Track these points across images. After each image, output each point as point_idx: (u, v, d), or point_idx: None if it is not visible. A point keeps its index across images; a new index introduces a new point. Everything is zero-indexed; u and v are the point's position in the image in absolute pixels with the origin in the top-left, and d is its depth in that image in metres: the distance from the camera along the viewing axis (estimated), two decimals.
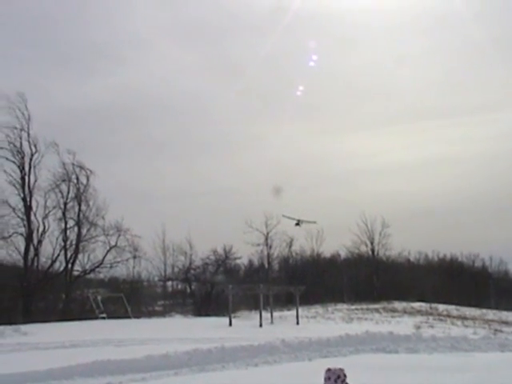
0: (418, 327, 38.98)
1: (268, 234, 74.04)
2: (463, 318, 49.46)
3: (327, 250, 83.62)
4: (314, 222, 65.08)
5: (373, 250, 79.31)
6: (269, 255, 75.65)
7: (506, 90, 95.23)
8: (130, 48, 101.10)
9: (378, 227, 78.10)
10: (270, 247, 75.28)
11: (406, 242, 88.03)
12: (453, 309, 57.54)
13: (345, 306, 61.09)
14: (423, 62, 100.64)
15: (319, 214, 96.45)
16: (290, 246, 77.72)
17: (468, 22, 79.75)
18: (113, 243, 58.73)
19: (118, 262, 60.18)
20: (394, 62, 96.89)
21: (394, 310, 55.21)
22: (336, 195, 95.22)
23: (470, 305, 61.52)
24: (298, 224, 64.16)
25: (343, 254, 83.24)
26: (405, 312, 53.64)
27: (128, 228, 59.00)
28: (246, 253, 75.69)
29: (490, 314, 55.82)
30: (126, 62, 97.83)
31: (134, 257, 62.05)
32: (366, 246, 79.45)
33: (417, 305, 60.31)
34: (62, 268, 57.24)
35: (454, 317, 50.25)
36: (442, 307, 58.14)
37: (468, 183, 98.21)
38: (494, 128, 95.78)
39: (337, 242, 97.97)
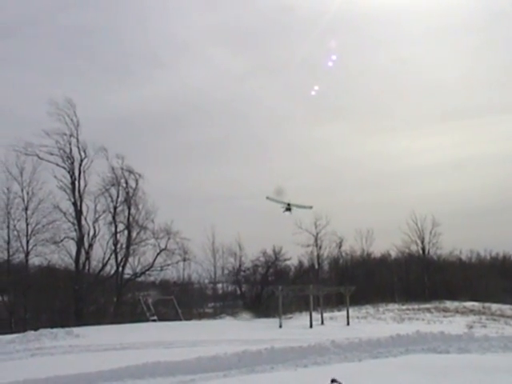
0: (470, 327, 38.40)
1: (317, 234, 73.75)
2: None
3: (377, 249, 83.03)
4: (310, 207, 55.17)
5: (423, 249, 78.24)
6: (318, 256, 75.26)
7: None
8: (177, 54, 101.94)
9: (429, 226, 77.02)
10: (320, 248, 74.91)
11: (457, 241, 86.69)
12: (507, 308, 56.32)
13: (396, 306, 60.41)
14: (468, 61, 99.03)
15: (369, 215, 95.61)
16: (340, 247, 77.24)
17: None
18: (162, 246, 59.26)
19: (168, 265, 60.80)
20: (440, 60, 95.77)
21: (445, 310, 54.41)
22: (385, 195, 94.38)
23: None
24: (288, 209, 53.76)
25: (393, 253, 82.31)
26: (457, 312, 52.82)
27: (177, 231, 59.46)
28: (295, 254, 75.57)
29: None
30: (173, 68, 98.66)
31: (184, 259, 62.50)
32: (417, 245, 78.41)
33: (469, 304, 59.27)
34: (112, 271, 58.09)
35: (507, 316, 49.29)
36: (495, 307, 57.02)
37: None
38: None
39: (387, 242, 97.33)
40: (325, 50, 78.91)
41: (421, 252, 78.48)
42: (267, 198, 50.99)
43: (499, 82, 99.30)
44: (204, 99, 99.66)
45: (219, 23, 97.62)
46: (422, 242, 77.83)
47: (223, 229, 73.04)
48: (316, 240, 73.95)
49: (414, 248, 78.83)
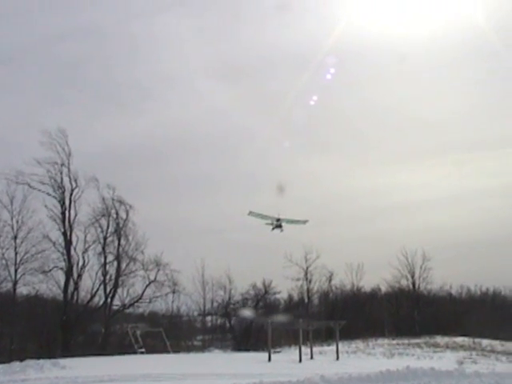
0: (460, 363, 38.15)
1: (307, 268, 73.95)
2: (508, 353, 48.28)
3: (367, 284, 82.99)
4: (304, 223, 49.43)
5: (414, 284, 78.26)
6: (308, 290, 75.34)
7: None
8: (171, 86, 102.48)
9: (419, 261, 77.20)
10: (310, 282, 75.08)
11: (448, 276, 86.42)
12: (497, 344, 56.19)
13: (386, 341, 60.20)
14: (460, 95, 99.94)
15: (359, 249, 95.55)
16: (330, 281, 77.34)
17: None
18: (152, 278, 58.82)
19: (157, 297, 60.44)
20: (433, 94, 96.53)
21: (436, 345, 54.20)
22: (375, 229, 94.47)
23: None
24: (278, 226, 47.69)
25: (384, 288, 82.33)
26: (447, 347, 52.63)
27: (167, 263, 59.17)
28: (285, 287, 75.57)
29: None
30: (166, 99, 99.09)
31: (174, 291, 62.10)
32: (407, 279, 78.44)
33: (459, 339, 59.13)
34: (101, 302, 57.57)
35: (498, 352, 49.16)
36: (485, 342, 56.88)
37: (510, 216, 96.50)
38: None
39: (377, 277, 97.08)
40: (315, 84, 79.12)
41: (411, 287, 78.52)
42: (250, 213, 46.83)
43: (490, 117, 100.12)
44: (193, 132, 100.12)
45: (210, 57, 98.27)
46: (413, 277, 77.94)
47: (213, 261, 72.75)
48: (306, 274, 74.15)
49: (404, 282, 78.92)
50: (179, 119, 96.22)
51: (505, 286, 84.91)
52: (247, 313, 61.74)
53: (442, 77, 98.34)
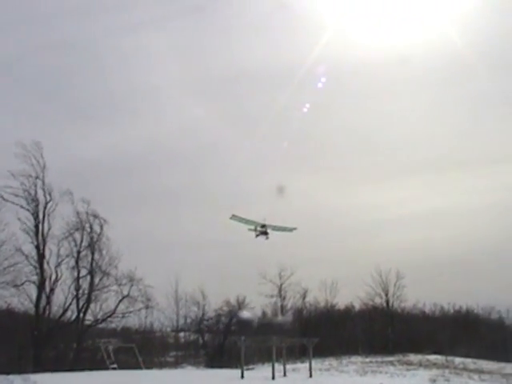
0: (433, 381, 38.32)
1: (282, 285, 74.12)
2: (480, 371, 48.47)
3: (341, 301, 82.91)
4: (291, 230, 45.79)
5: (387, 302, 78.47)
6: (282, 307, 75.42)
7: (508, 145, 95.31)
8: (146, 100, 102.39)
9: (393, 278, 77.45)
10: (284, 298, 75.24)
11: (421, 294, 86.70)
12: (469, 362, 56.48)
13: (359, 359, 60.16)
14: (434, 115, 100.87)
15: (334, 266, 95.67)
16: (304, 298, 77.44)
17: (479, 77, 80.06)
18: (125, 293, 58.41)
19: (131, 312, 59.89)
20: (404, 112, 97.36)
21: (409, 363, 54.26)
22: (349, 247, 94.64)
23: (487, 358, 60.36)
24: (264, 233, 43.84)
25: (357, 305, 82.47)
26: (420, 365, 52.70)
27: (141, 278, 58.84)
28: (259, 304, 75.36)
29: (508, 367, 54.66)
30: (141, 114, 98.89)
31: (147, 307, 61.57)
32: (381, 297, 78.64)
33: (432, 357, 59.29)
34: (73, 317, 57.06)
35: (470, 370, 49.32)
36: (458, 360, 57.12)
37: (485, 234, 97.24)
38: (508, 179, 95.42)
39: (351, 294, 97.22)
40: (297, 102, 79.38)
41: (385, 304, 78.66)
42: (232, 216, 42.49)
43: (460, 136, 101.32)
44: (174, 146, 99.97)
45: (185, 71, 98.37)
46: (386, 295, 78.12)
47: (187, 277, 72.50)
48: (280, 291, 74.22)
49: (378, 300, 79.05)
50: (156, 132, 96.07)
51: (478, 304, 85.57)
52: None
53: (423, 96, 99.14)
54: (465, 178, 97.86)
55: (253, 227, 44.13)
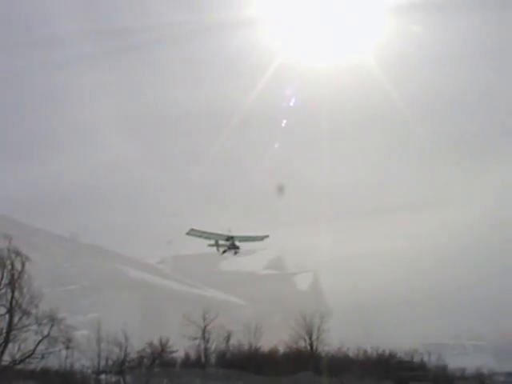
0: None
1: (205, 327, 73.72)
2: None
3: (266, 344, 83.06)
4: (262, 239, 42.90)
5: (311, 345, 78.81)
6: (206, 349, 74.96)
7: (432, 191, 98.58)
8: (71, 137, 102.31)
9: (317, 322, 78.05)
10: (208, 341, 74.81)
11: (345, 338, 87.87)
12: None
13: None
14: (359, 161, 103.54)
15: (258, 309, 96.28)
16: (228, 341, 77.25)
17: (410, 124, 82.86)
18: (45, 333, 57.21)
19: (50, 353, 58.77)
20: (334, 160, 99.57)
21: None
22: (274, 291, 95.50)
23: None
24: (233, 247, 39.43)
25: (282, 349, 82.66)
26: None
27: (62, 317, 57.82)
28: (182, 346, 74.95)
29: None
30: (66, 150, 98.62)
31: (67, 347, 60.63)
32: (305, 340, 78.96)
33: None
34: None
35: None
36: None
37: (407, 277, 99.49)
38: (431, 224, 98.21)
39: (276, 337, 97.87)
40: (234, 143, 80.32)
41: (309, 348, 78.93)
42: (190, 231, 37.97)
43: (385, 185, 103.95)
44: (99, 182, 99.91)
45: (120, 110, 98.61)
46: (310, 338, 78.41)
47: (109, 318, 71.72)
48: (204, 333, 73.80)
49: (302, 344, 79.29)
50: (80, 170, 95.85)
51: (400, 348, 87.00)
52: None
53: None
54: (387, 224, 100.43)
55: (213, 242, 40.31)
